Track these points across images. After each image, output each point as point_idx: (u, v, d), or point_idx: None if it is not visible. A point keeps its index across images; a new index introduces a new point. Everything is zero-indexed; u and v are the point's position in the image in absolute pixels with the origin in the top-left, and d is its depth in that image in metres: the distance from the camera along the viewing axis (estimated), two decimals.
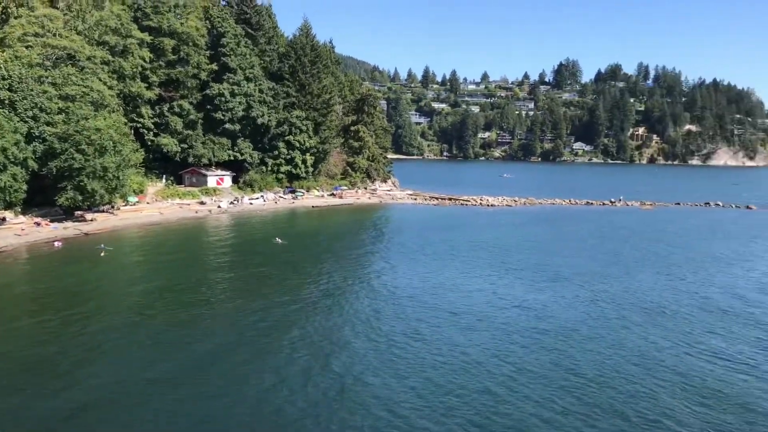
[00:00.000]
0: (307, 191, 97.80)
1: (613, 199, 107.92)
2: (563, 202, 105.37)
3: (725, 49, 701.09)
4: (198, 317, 34.67)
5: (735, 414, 23.59)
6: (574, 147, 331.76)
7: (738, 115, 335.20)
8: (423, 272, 47.16)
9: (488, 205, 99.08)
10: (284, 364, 27.91)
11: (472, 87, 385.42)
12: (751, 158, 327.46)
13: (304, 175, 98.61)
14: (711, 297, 41.36)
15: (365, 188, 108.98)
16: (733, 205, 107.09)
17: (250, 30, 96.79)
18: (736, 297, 41.58)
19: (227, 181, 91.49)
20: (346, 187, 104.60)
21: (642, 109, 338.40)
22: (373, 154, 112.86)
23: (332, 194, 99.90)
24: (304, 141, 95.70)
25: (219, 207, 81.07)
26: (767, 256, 58.65)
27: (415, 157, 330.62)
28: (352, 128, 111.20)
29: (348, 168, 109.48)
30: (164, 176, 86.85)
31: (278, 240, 58.98)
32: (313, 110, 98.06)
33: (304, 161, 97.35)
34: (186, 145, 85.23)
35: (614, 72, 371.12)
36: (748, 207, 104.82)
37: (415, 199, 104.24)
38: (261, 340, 31.05)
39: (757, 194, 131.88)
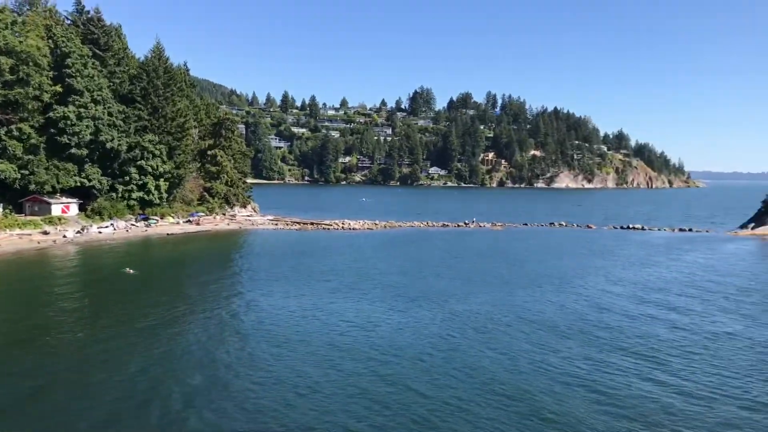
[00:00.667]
0: (162, 218, 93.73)
1: (467, 221, 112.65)
2: (421, 225, 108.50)
3: (564, 80, 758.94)
4: (22, 354, 31.94)
5: (556, 426, 25.00)
6: (430, 171, 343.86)
7: (577, 141, 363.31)
8: (280, 298, 46.49)
9: (350, 229, 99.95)
10: (118, 398, 26.42)
11: (331, 112, 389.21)
12: (590, 181, 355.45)
13: (157, 201, 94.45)
14: (555, 312, 43.90)
15: (224, 214, 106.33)
16: (575, 225, 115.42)
17: (98, 51, 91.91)
18: (581, 312, 44.38)
19: (73, 209, 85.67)
20: (203, 214, 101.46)
21: (491, 135, 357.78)
22: (232, 178, 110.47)
23: (189, 221, 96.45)
24: (157, 166, 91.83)
25: (64, 237, 75.69)
26: (604, 272, 63.09)
27: (275, 181, 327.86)
28: (209, 152, 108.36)
29: (205, 193, 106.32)
30: (1, 205, 79.90)
31: (129, 270, 55.84)
32: (167, 134, 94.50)
33: (157, 187, 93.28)
34: (27, 171, 78.93)
35: (465, 100, 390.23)
36: (588, 226, 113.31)
37: (277, 224, 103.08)
38: (95, 375, 29.09)
39: (595, 215, 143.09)
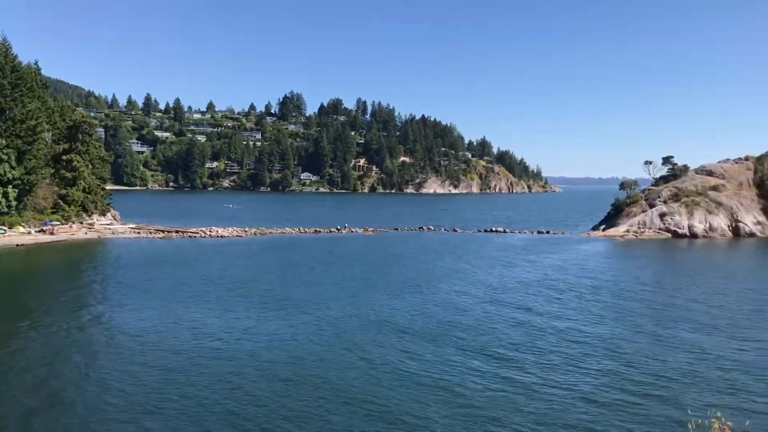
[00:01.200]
0: (11, 228, 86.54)
1: (339, 227, 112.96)
2: (293, 231, 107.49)
3: (430, 90, 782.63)
4: None
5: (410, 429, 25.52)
6: (301, 177, 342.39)
7: (444, 148, 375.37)
8: (137, 310, 44.07)
9: (218, 237, 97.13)
10: None
11: (197, 116, 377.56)
12: (456, 186, 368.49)
13: (6, 210, 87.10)
14: (427, 311, 44.81)
15: (81, 223, 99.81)
16: (443, 228, 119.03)
17: None
18: (444, 314, 45.49)
19: None
20: (58, 222, 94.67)
21: (362, 141, 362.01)
22: (90, 185, 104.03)
23: (42, 230, 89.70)
24: (5, 172, 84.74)
25: None
26: (467, 273, 65.28)
27: (138, 188, 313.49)
28: (65, 157, 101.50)
29: (60, 201, 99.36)
30: None
31: None
32: (15, 137, 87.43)
33: (5, 194, 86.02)
34: None
35: (336, 106, 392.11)
36: (454, 230, 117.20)
37: (139, 232, 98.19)
38: None
39: (461, 218, 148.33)
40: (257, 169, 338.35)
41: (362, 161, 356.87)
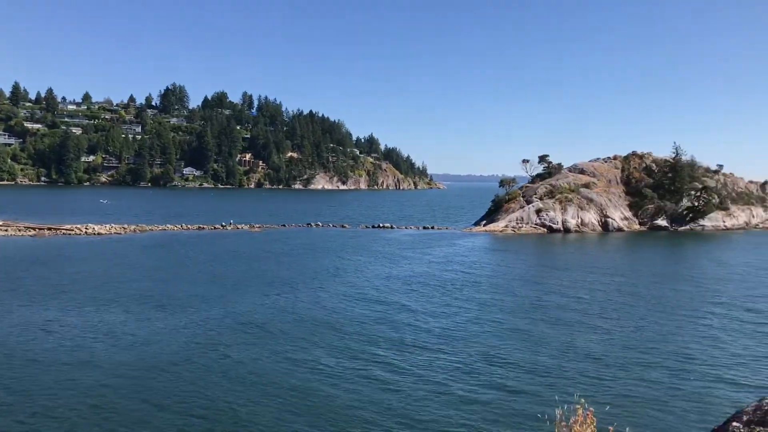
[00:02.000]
0: None
1: (224, 223, 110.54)
2: (175, 228, 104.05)
3: (318, 84, 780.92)
4: None
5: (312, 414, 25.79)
6: (184, 172, 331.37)
7: (332, 144, 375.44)
8: (3, 313, 41.46)
9: (95, 234, 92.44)
10: None
11: (72, 107, 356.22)
12: (344, 182, 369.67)
13: None
14: (307, 310, 44.89)
15: None
16: (331, 225, 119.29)
17: None
18: (330, 309, 45.82)
19: None
20: None
21: (248, 136, 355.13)
22: None
23: None
24: None
25: None
26: (354, 269, 65.97)
27: (5, 182, 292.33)
28: None
29: None
30: None
31: None
32: None
33: None
34: None
35: (221, 99, 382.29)
36: (342, 226, 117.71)
37: (6, 230, 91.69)
38: None
39: (349, 215, 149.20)
40: (137, 164, 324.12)
41: (248, 156, 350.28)
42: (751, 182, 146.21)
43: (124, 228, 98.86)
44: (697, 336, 39.33)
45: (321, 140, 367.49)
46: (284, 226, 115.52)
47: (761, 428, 8.00)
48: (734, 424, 8.24)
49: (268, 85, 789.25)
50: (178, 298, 47.49)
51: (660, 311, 46.90)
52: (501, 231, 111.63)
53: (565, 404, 9.75)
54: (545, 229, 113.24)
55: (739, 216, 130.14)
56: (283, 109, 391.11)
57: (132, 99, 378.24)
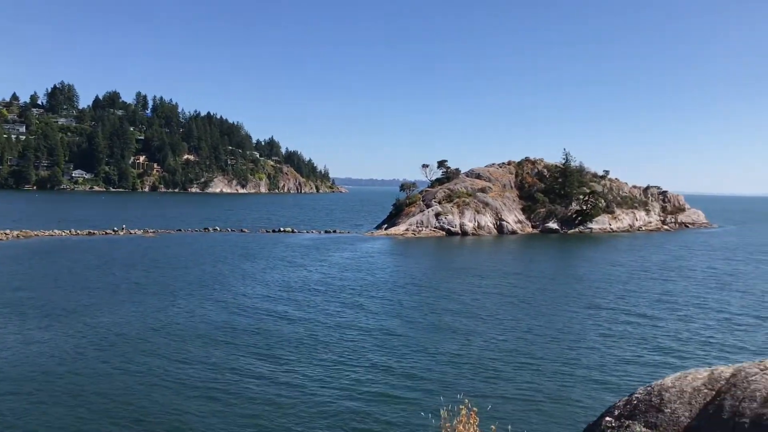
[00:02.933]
0: None
1: (116, 228, 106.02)
2: (63, 233, 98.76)
3: (216, 86, 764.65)
4: None
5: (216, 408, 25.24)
6: (73, 175, 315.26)
7: (231, 147, 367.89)
8: None
9: None
10: None
11: None
12: (244, 186, 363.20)
13: None
14: (188, 320, 43.77)
15: None
16: (229, 229, 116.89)
17: None
18: (222, 316, 44.87)
19: None
20: None
21: (142, 138, 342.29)
22: None
23: None
24: None
25: None
26: (252, 274, 64.96)
27: None
28: None
29: None
30: None
31: None
32: None
33: None
34: None
35: (112, 99, 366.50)
36: (241, 230, 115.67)
37: None
38: None
39: (249, 219, 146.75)
40: (21, 166, 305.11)
41: (142, 158, 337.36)
42: (634, 187, 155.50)
43: (6, 234, 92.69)
44: (579, 338, 40.86)
45: (219, 142, 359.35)
46: (180, 230, 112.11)
47: (630, 421, 8.55)
48: (606, 419, 8.84)
49: (163, 85, 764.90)
50: (61, 308, 44.93)
51: (546, 314, 48.38)
52: (402, 234, 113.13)
53: (452, 404, 10.02)
54: (444, 233, 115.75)
55: (624, 219, 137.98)
56: (180, 110, 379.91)
57: (15, 97, 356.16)
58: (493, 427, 9.76)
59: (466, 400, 9.72)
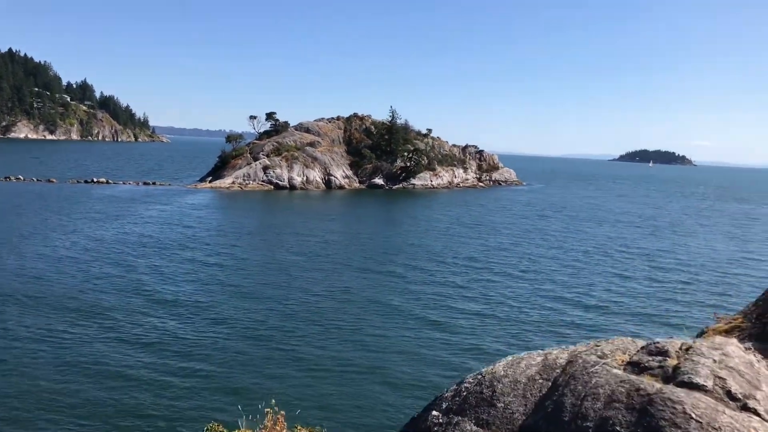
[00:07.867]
0: None
1: None
2: None
3: (19, 19, 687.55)
4: None
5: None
6: None
7: (37, 89, 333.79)
8: None
9: None
10: None
11: None
12: (52, 132, 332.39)
13: None
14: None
15: None
16: (35, 179, 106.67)
17: None
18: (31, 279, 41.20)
19: None
20: None
21: None
22: None
23: None
24: None
25: None
26: (59, 230, 59.92)
27: None
28: None
29: None
30: None
31: None
32: None
33: None
34: None
35: None
36: (49, 180, 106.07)
37: None
38: None
39: (58, 167, 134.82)
40: None
41: None
42: (454, 146, 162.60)
43: None
44: (395, 314, 35.79)
45: (23, 83, 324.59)
46: None
47: (459, 417, 7.72)
48: (434, 413, 7.97)
49: None
50: None
51: (365, 284, 44.61)
52: (227, 188, 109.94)
53: (257, 403, 8.99)
54: (272, 186, 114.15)
55: (444, 176, 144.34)
56: None
57: None
58: (300, 428, 8.63)
59: (273, 401, 8.63)
